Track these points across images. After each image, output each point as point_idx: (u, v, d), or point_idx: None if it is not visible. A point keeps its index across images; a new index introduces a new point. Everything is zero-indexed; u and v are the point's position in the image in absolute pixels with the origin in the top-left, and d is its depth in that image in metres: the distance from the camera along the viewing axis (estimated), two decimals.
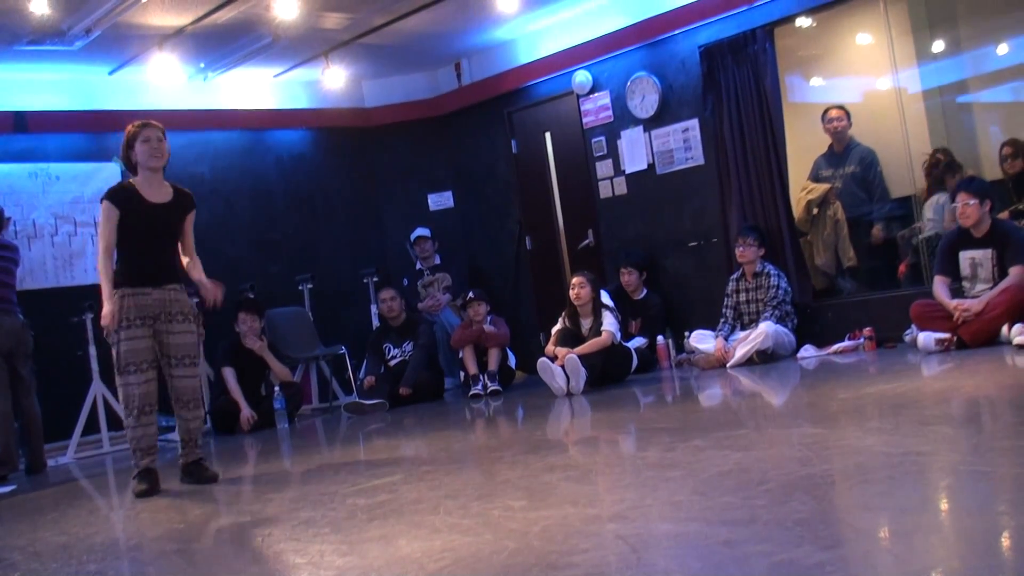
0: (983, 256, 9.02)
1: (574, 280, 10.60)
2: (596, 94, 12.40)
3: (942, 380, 7.64)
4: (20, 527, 6.61)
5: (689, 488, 4.68)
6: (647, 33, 11.74)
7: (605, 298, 10.69)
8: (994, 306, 8.65)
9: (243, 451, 9.61)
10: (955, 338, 8.72)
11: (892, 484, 4.32)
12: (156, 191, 7.33)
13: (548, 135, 13.26)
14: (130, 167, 7.41)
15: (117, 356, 7.15)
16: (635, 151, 12.07)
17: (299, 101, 13.60)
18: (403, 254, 13.65)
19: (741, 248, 10.59)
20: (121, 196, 7.24)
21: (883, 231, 10.84)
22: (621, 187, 12.29)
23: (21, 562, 5.35)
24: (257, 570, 4.35)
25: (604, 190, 12.45)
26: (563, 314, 10.69)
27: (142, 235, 7.24)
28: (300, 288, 12.92)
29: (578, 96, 12.56)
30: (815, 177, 11.09)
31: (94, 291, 10.99)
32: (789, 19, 10.85)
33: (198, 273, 7.46)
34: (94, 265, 11.39)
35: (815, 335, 10.45)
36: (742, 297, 10.66)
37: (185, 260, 7.50)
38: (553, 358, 10.17)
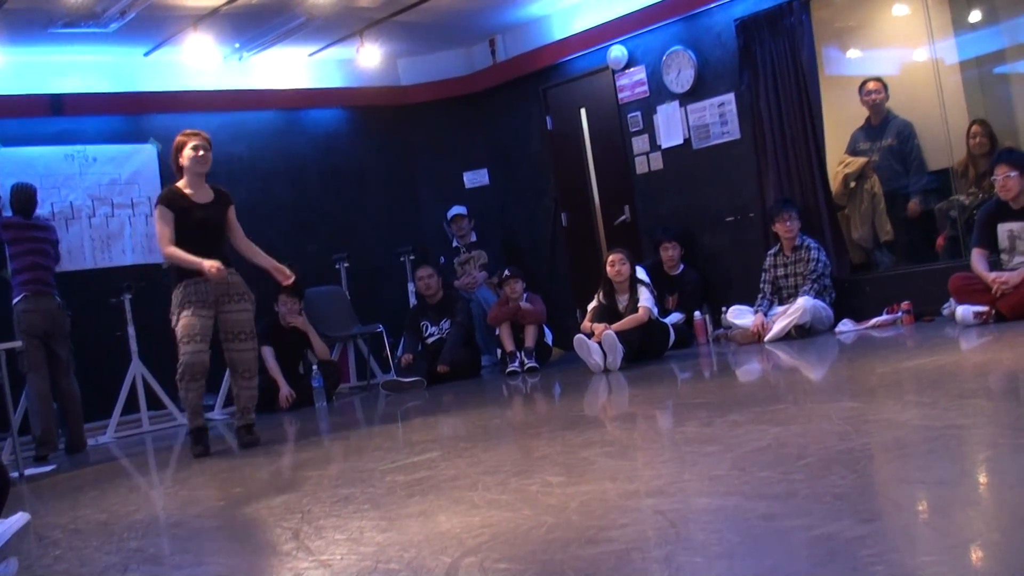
0: (1021, 228, 8.94)
1: (613, 257, 10.59)
2: (631, 69, 12.36)
3: (981, 353, 7.61)
4: (61, 505, 6.68)
5: (727, 463, 4.67)
6: (683, 7, 11.69)
7: (641, 274, 10.68)
8: None
9: (282, 429, 9.66)
10: (993, 311, 8.66)
11: (931, 457, 4.30)
12: (200, 192, 8.21)
13: (583, 111, 13.23)
14: (177, 170, 8.27)
15: (180, 330, 7.96)
16: (671, 126, 12.03)
17: (334, 80, 13.60)
18: (439, 232, 13.65)
19: (788, 223, 10.52)
20: (173, 199, 8.14)
21: (920, 204, 10.76)
22: (657, 162, 12.25)
23: (62, 540, 5.39)
24: (296, 546, 4.37)
25: (640, 166, 12.42)
26: (599, 291, 10.67)
27: (194, 231, 8.07)
28: (337, 267, 12.96)
29: (613, 71, 12.52)
30: (852, 150, 11.02)
31: (132, 272, 11.14)
32: None
33: (263, 259, 8.45)
34: (132, 246, 11.56)
35: (853, 309, 10.40)
36: (780, 272, 10.62)
37: (244, 249, 8.46)
38: (590, 334, 10.18)
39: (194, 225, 8.04)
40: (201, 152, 8.14)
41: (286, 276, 8.38)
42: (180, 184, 8.19)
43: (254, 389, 8.33)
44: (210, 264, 7.83)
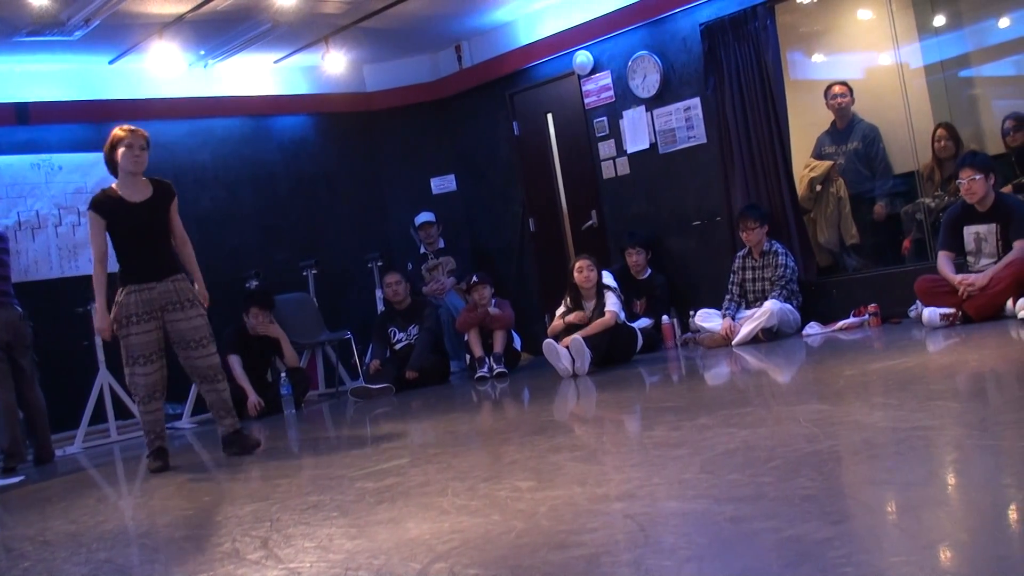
0: (987, 231, 9.01)
1: (580, 263, 10.59)
2: (597, 74, 12.38)
3: (947, 355, 7.64)
4: (30, 517, 6.64)
5: (696, 466, 4.68)
6: (648, 12, 11.72)
7: (608, 279, 10.71)
8: (998, 280, 8.65)
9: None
10: (960, 313, 8.72)
11: (899, 459, 4.32)
12: (136, 191, 7.70)
13: (550, 116, 13.24)
14: (111, 167, 7.78)
15: (126, 349, 7.56)
16: (637, 131, 12.05)
17: (300, 87, 13.58)
18: (407, 238, 13.64)
19: (745, 233, 10.58)
20: (104, 203, 7.66)
21: (886, 207, 10.82)
22: (624, 167, 12.28)
23: (31, 552, 5.36)
24: (266, 554, 4.36)
25: (607, 170, 12.44)
26: (566, 296, 10.68)
27: (132, 235, 7.65)
28: (304, 274, 12.91)
29: (579, 76, 12.53)
30: (818, 154, 11.07)
31: None
32: None
33: (193, 271, 7.92)
34: None
35: (820, 312, 10.44)
36: (748, 275, 10.65)
37: (178, 248, 7.90)
38: (558, 337, 10.20)
39: (128, 230, 7.63)
40: (136, 152, 7.64)
41: (204, 300, 7.85)
42: (114, 186, 7.74)
43: (227, 390, 7.92)
44: (100, 328, 7.65)
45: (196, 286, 7.85)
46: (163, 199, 7.77)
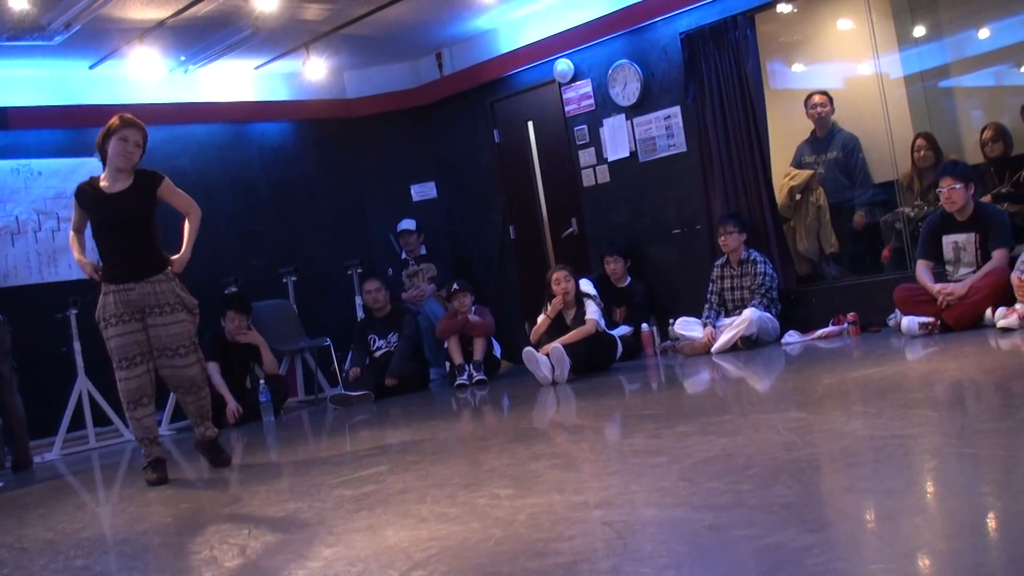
0: (966, 240, 9.04)
1: (558, 275, 10.58)
2: (578, 82, 12.39)
3: (926, 364, 7.66)
4: (7, 524, 6.61)
5: (675, 474, 4.68)
6: (628, 20, 11.72)
7: (587, 286, 10.71)
8: (977, 289, 8.68)
9: (229, 444, 9.56)
10: (939, 322, 8.75)
11: (877, 467, 4.33)
12: (116, 182, 7.26)
13: (530, 124, 13.24)
14: (102, 157, 7.33)
15: (110, 352, 7.20)
16: (617, 139, 12.06)
17: (280, 93, 13.55)
18: (387, 245, 13.63)
19: (723, 237, 10.61)
20: (84, 192, 7.32)
21: (865, 216, 10.84)
22: (604, 175, 12.28)
23: (8, 559, 5.34)
24: (244, 562, 4.34)
25: (587, 178, 12.44)
26: (545, 303, 10.65)
27: (105, 226, 7.25)
28: (284, 280, 12.89)
29: (560, 84, 12.54)
30: (798, 163, 11.09)
31: (78, 287, 11.00)
32: (770, 5, 10.83)
33: (185, 242, 7.49)
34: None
35: (799, 321, 10.46)
36: (726, 284, 10.66)
37: (187, 220, 7.58)
38: (538, 344, 10.21)
39: (102, 220, 7.21)
40: (130, 148, 7.18)
41: (176, 266, 7.30)
42: (101, 175, 7.29)
43: (205, 399, 7.52)
44: (86, 271, 7.19)
45: (178, 254, 7.37)
46: (144, 190, 7.28)
